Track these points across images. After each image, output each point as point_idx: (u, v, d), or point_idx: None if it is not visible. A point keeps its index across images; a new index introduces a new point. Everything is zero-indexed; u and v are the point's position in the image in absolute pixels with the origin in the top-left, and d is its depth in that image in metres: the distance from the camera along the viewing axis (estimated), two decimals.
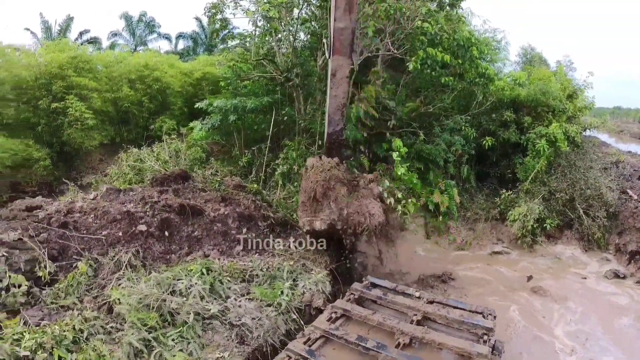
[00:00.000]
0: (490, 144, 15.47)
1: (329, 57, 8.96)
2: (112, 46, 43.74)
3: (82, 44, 32.39)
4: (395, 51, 13.18)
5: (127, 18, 45.46)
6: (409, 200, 11.36)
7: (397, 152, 12.06)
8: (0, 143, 17.84)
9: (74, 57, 21.27)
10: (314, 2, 14.99)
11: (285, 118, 14.24)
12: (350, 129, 13.01)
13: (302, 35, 16.47)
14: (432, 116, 15.53)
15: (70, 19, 41.46)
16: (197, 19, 44.16)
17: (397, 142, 12.29)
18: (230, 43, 19.82)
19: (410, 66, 12.95)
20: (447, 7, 15.66)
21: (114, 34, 45.25)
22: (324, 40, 9.71)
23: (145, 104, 22.13)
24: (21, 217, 8.96)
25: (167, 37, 46.55)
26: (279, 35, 15.15)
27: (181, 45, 46.16)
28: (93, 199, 9.77)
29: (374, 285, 7.86)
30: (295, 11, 14.53)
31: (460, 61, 14.21)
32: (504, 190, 15.66)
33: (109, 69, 23.19)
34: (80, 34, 42.79)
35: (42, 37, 39.72)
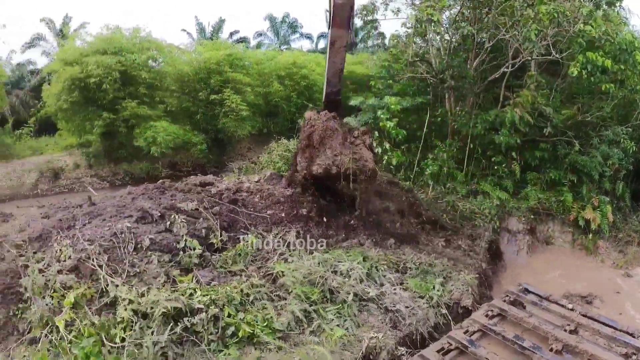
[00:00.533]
0: None
1: (329, 28, 9.66)
2: (258, 45, 46.64)
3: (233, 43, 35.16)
4: (557, 55, 12.74)
5: (271, 19, 48.19)
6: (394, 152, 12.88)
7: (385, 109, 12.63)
8: (165, 127, 20.05)
9: (229, 55, 23.21)
10: (467, 4, 14.94)
11: (440, 119, 14.39)
12: (504, 135, 12.84)
13: (452, 37, 16.54)
14: (589, 125, 14.70)
15: (222, 21, 44.95)
16: (361, 19, 45.53)
17: (391, 99, 12.64)
18: (370, 43, 20.33)
19: (574, 72, 12.40)
20: (604, 6, 14.77)
21: (259, 34, 48.21)
22: (325, 11, 10.26)
23: (293, 99, 23.51)
24: (195, 191, 10.14)
25: (309, 37, 48.62)
26: (430, 36, 15.32)
27: (322, 44, 47.84)
28: (257, 182, 10.74)
29: (527, 291, 7.89)
30: (447, 13, 14.64)
31: (622, 67, 13.35)
32: None
33: (259, 66, 24.97)
34: (231, 34, 46.19)
35: (197, 37, 43.43)
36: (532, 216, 13.32)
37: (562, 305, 7.47)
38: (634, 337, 6.67)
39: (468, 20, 14.63)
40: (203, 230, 8.50)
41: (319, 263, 7.92)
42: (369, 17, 16.64)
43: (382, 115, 12.69)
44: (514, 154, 14.09)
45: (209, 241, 8.43)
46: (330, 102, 10.62)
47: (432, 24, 13.90)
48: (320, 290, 7.35)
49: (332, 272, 7.72)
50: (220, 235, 8.57)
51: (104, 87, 19.81)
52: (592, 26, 12.44)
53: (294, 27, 48.95)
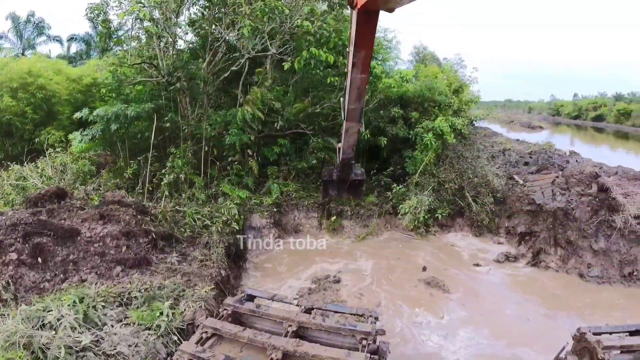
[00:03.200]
0: (384, 143, 15.71)
1: (344, 119, 11.60)
2: None
3: None
4: (275, 51, 13.10)
5: (14, 19, 42.12)
6: None
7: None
8: None
9: None
10: (200, 2, 14.59)
11: (169, 124, 13.81)
12: (233, 134, 12.79)
13: (190, 37, 16.06)
14: (322, 116, 15.59)
15: None
16: (91, 20, 41.89)
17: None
18: (117, 47, 18.84)
19: (287, 66, 12.95)
20: (337, 7, 15.78)
21: None
22: (341, 100, 11.72)
23: (29, 115, 20.36)
24: None
25: (58, 40, 43.61)
26: (165, 38, 14.59)
27: (74, 48, 43.49)
28: None
29: (251, 297, 7.57)
30: (178, 12, 14.04)
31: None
32: (395, 185, 15.93)
33: None
34: None
35: None
36: (275, 209, 13.65)
37: (288, 303, 7.41)
38: (364, 317, 6.82)
39: (206, 19, 14.31)
40: None
41: (22, 319, 6.68)
42: (101, 17, 15.09)
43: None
44: (249, 151, 14.27)
45: None
46: (345, 165, 13.86)
47: (151, 21, 13.15)
48: (30, 352, 6.20)
49: (40, 326, 6.64)
50: None
51: None
52: (312, 22, 13.01)
53: (40, 28, 43.51)
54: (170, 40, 13.81)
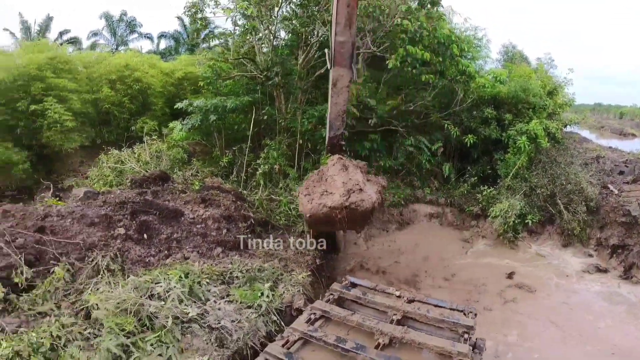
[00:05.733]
0: (472, 141, 15.44)
1: (330, 67, 9.41)
2: (93, 46, 43.19)
3: (61, 44, 31.98)
4: (375, 49, 13.16)
5: (107, 17, 44.79)
6: None
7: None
8: None
9: (53, 58, 20.76)
10: (295, 0, 14.90)
11: (266, 117, 14.19)
12: None
13: (282, 34, 16.43)
14: (413, 114, 15.53)
15: (49, 19, 41.05)
16: (179, 18, 43.71)
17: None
18: (213, 42, 19.56)
19: (390, 64, 12.94)
20: (429, 5, 15.67)
21: (94, 34, 44.67)
22: (326, 51, 9.87)
23: (126, 105, 21.64)
24: None
25: (149, 37, 46.09)
26: (259, 34, 15.02)
27: (163, 45, 45.66)
28: (73, 203, 9.65)
29: (354, 285, 7.73)
30: (275, 9, 14.43)
31: (440, 59, 14.22)
32: (485, 187, 15.60)
33: (89, 70, 22.69)
34: (60, 34, 42.45)
35: (22, 38, 39.10)
36: None
37: (389, 294, 7.46)
38: (464, 314, 6.78)
39: (300, 17, 14.63)
40: (0, 271, 7.32)
41: (133, 288, 7.11)
42: (199, 15, 15.81)
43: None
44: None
45: (13, 281, 7.18)
46: (333, 146, 10.43)
47: (252, 19, 13.58)
48: (137, 319, 6.61)
49: (148, 296, 7.00)
50: (25, 272, 7.43)
51: None
52: (410, 21, 13.01)
53: (132, 26, 46.05)
54: (270, 36, 14.19)
